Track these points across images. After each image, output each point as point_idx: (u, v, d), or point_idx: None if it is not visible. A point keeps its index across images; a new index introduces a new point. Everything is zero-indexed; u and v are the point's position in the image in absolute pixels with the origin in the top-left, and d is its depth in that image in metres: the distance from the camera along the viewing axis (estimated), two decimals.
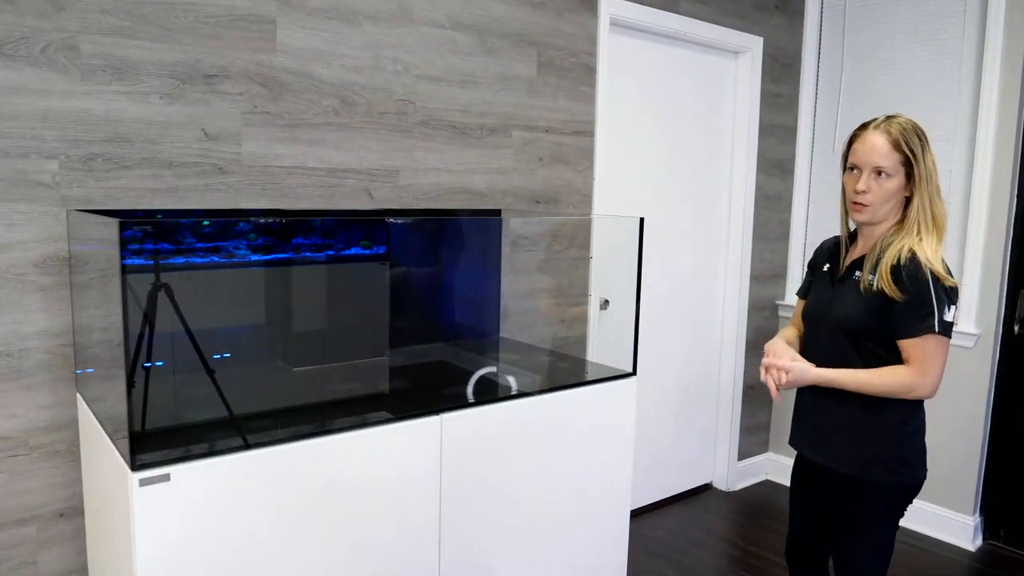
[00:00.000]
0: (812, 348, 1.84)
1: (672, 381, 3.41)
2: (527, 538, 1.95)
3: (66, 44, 1.79)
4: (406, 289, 2.27)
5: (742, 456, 3.69)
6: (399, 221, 2.21)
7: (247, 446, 1.43)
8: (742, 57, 3.39)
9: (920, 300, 1.63)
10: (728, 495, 3.61)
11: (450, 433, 1.72)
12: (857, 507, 1.76)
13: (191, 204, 1.97)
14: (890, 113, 1.78)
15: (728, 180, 3.49)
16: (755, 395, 3.69)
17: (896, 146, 1.69)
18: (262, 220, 2.03)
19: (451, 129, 2.44)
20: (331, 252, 2.13)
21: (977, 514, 3.13)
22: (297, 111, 2.13)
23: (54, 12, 1.77)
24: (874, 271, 1.70)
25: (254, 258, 2.00)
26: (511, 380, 2.15)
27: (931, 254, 1.66)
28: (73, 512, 1.91)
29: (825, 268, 1.90)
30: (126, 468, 1.31)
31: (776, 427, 3.79)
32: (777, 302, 3.71)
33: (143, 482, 1.29)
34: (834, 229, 3.59)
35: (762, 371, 1.79)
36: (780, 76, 3.52)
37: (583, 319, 2.91)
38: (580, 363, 2.68)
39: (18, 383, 1.81)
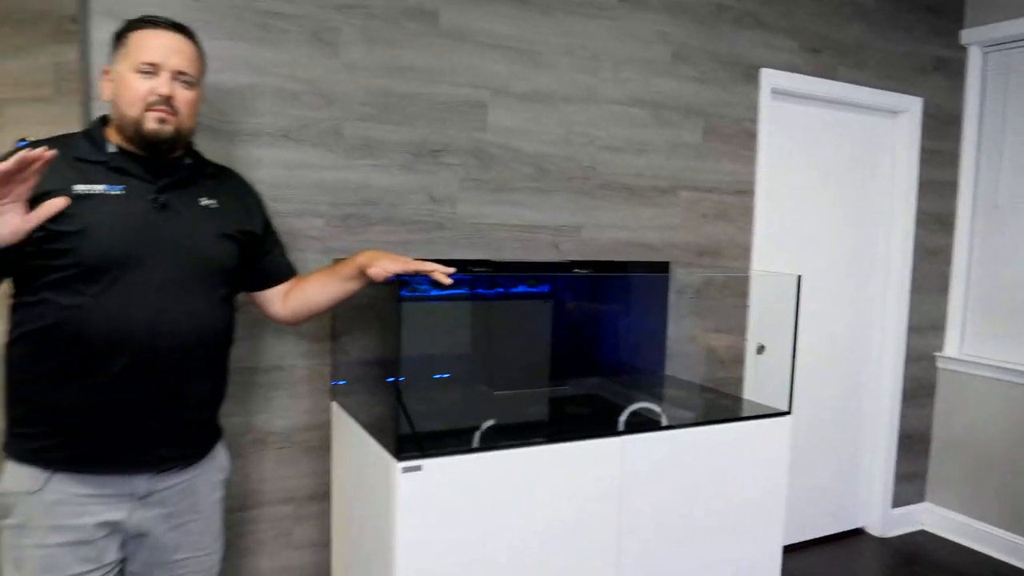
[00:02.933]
0: None
1: (827, 425, 3.55)
2: (691, 556, 2.22)
3: (333, 129, 2.31)
4: (595, 328, 2.63)
5: (897, 504, 3.74)
6: (582, 272, 2.59)
7: (475, 449, 1.83)
8: (900, 117, 3.55)
9: None
10: (881, 541, 3.68)
11: (630, 453, 2.05)
12: None
13: (419, 254, 2.44)
14: None
15: (886, 234, 3.63)
16: (912, 443, 3.75)
17: None
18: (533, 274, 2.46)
19: (627, 191, 2.81)
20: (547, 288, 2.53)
21: None
22: (502, 178, 2.57)
23: (326, 105, 2.29)
24: None
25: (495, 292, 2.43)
26: (671, 413, 2.44)
27: None
28: (321, 497, 2.39)
29: None
30: (391, 459, 1.74)
31: (935, 477, 3.82)
32: (935, 353, 3.77)
33: (405, 470, 1.72)
34: (1003, 281, 3.64)
35: None
36: (940, 134, 3.64)
37: (740, 362, 3.15)
38: (739, 401, 2.92)
39: (287, 391, 2.32)
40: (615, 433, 2.05)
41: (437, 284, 1.78)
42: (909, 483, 3.79)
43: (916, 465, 3.80)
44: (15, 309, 1.58)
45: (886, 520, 3.72)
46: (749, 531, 2.32)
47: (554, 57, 2.62)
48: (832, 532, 3.67)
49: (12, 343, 1.59)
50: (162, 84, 1.59)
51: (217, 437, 1.83)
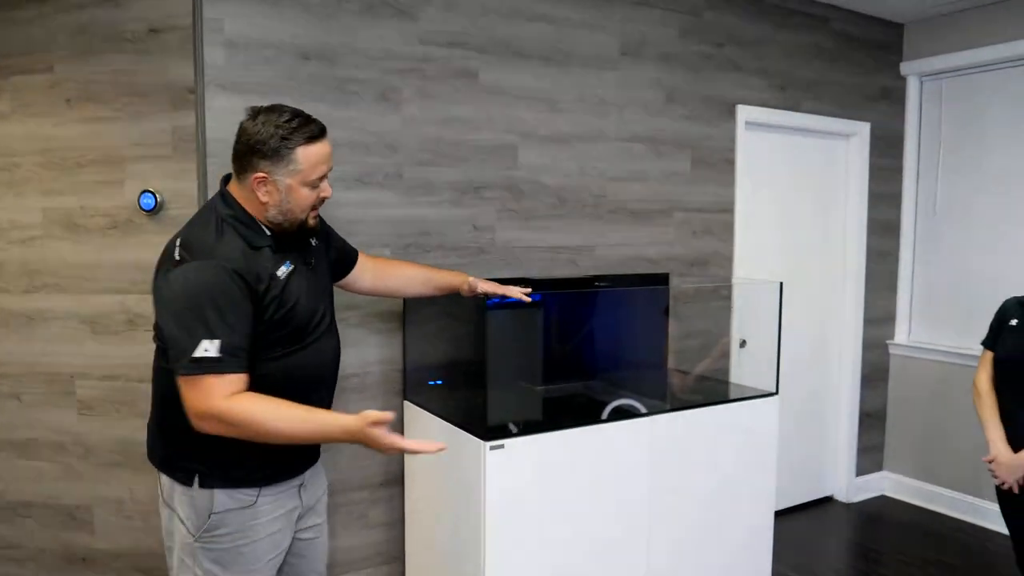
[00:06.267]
0: (1008, 388, 2.44)
1: (798, 407, 4.10)
2: (705, 516, 2.72)
3: (396, 173, 2.75)
4: (612, 332, 3.12)
5: (859, 473, 4.32)
6: (603, 285, 3.08)
7: (541, 430, 2.31)
8: (852, 139, 4.12)
9: None
10: (848, 506, 4.25)
11: (658, 430, 2.55)
12: None
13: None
14: None
15: (842, 240, 4.20)
16: (870, 420, 4.33)
17: None
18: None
19: (631, 214, 3.30)
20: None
21: None
22: (530, 208, 3.04)
23: (391, 153, 2.73)
24: None
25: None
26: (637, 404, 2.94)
27: None
28: (390, 482, 2.83)
29: (1013, 323, 2.47)
30: (480, 441, 2.20)
31: (890, 448, 4.40)
32: (887, 341, 4.36)
33: (492, 448, 2.18)
34: (941, 278, 4.20)
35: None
36: (886, 152, 4.23)
37: (726, 355, 3.68)
38: (732, 386, 3.44)
39: (362, 394, 2.75)
40: (644, 414, 2.54)
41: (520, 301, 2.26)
42: (869, 455, 4.37)
43: (874, 439, 4.39)
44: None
45: (851, 488, 4.29)
46: (748, 493, 2.83)
47: (570, 104, 3.10)
48: (806, 500, 4.23)
49: None
50: (326, 190, 1.85)
51: None
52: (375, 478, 2.81)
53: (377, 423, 1.67)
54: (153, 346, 1.88)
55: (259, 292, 1.73)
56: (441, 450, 1.78)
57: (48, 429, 2.65)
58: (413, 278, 2.36)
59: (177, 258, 1.71)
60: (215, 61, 2.42)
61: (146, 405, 2.54)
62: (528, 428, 2.35)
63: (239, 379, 1.68)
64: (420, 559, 2.71)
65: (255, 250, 1.77)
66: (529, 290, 2.26)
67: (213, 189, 2.43)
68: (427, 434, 2.59)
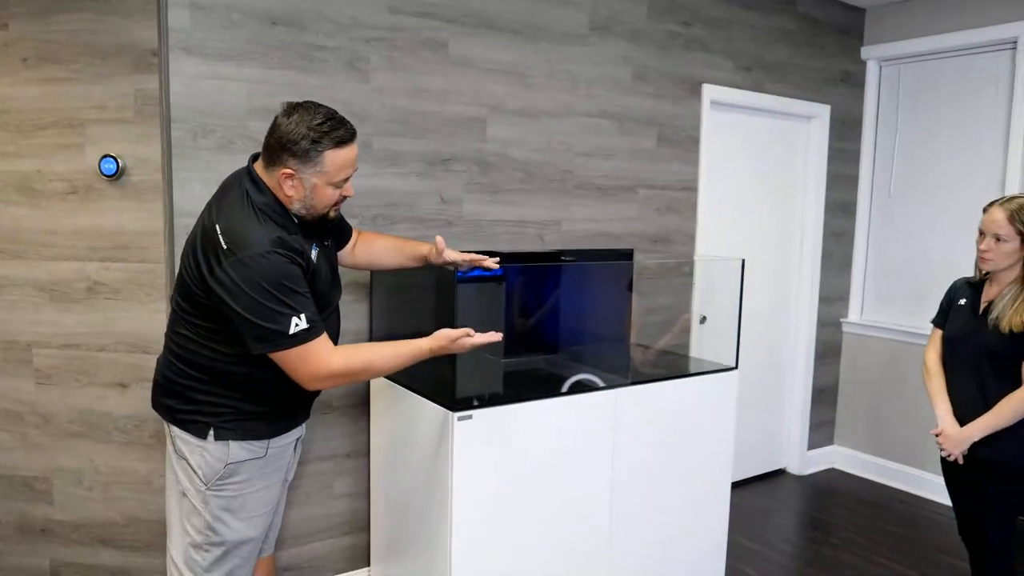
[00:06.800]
0: (956, 365, 2.50)
1: (754, 382, 4.20)
2: (666, 485, 2.79)
3: (365, 143, 2.73)
4: (577, 306, 3.15)
5: (811, 447, 4.46)
6: (568, 260, 3.10)
7: (510, 402, 2.33)
8: (813, 121, 4.20)
9: None
10: (800, 479, 4.38)
11: (622, 402, 2.60)
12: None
13: None
14: (1015, 194, 2.45)
15: (801, 220, 4.30)
16: (823, 396, 4.47)
17: (1011, 220, 2.34)
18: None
19: (597, 190, 3.33)
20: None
21: None
22: (498, 181, 3.04)
23: (359, 123, 2.69)
24: (996, 312, 2.36)
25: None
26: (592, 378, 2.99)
27: None
28: (356, 454, 2.84)
29: (962, 302, 2.53)
30: (449, 412, 2.22)
31: (841, 424, 4.55)
32: (840, 319, 4.48)
33: (460, 419, 2.20)
34: (893, 258, 4.35)
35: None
36: (844, 135, 4.32)
37: (687, 330, 3.75)
38: (693, 360, 3.51)
39: None
40: (610, 387, 2.58)
41: (487, 269, 2.28)
42: (821, 429, 4.51)
43: (826, 414, 4.52)
44: None
45: (803, 461, 4.43)
46: (706, 464, 2.91)
47: (539, 78, 3.10)
48: (760, 472, 4.35)
49: (254, 362, 1.88)
50: (349, 190, 1.95)
51: None
52: (340, 449, 2.82)
53: (458, 339, 1.96)
54: (167, 310, 2.11)
55: (305, 270, 1.87)
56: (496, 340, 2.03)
57: (4, 399, 2.59)
58: (389, 249, 2.37)
59: (225, 247, 1.77)
60: (180, 23, 2.37)
61: (107, 375, 2.53)
62: (490, 401, 2.37)
63: (327, 337, 1.86)
64: (385, 529, 2.73)
65: (291, 236, 1.88)
66: (498, 258, 2.27)
67: (179, 156, 2.40)
68: (394, 406, 2.60)
